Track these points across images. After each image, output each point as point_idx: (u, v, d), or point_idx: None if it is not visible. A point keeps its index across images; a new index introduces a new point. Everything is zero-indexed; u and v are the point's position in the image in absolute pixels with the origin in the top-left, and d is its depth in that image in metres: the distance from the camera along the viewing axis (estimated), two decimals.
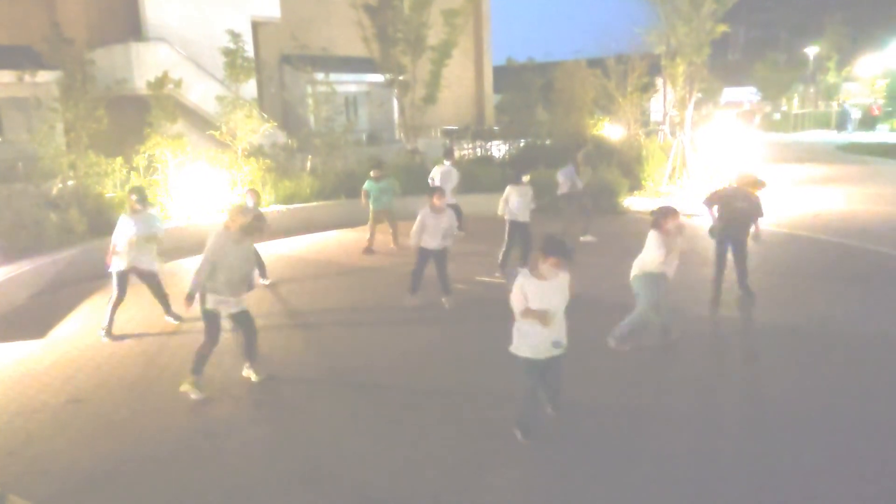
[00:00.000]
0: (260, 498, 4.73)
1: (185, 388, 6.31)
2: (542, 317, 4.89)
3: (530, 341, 5.06)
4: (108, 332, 8.10)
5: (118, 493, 4.87)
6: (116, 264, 8.09)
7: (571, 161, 12.29)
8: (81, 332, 8.35)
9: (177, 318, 8.53)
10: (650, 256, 6.73)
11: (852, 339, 7.25)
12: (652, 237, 6.75)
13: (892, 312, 8.05)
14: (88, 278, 10.45)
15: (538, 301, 4.92)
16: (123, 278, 8.14)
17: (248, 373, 6.68)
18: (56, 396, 6.44)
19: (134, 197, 8.23)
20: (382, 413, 5.95)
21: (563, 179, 11.97)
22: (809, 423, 5.45)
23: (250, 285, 6.72)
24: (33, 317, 8.99)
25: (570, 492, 4.66)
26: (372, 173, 12.01)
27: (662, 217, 6.75)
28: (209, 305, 6.27)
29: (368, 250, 11.97)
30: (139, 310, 8.98)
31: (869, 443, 5.14)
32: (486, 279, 9.96)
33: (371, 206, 11.95)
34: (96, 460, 5.28)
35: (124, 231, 7.99)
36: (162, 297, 8.55)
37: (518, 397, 5.43)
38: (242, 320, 6.53)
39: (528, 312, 4.94)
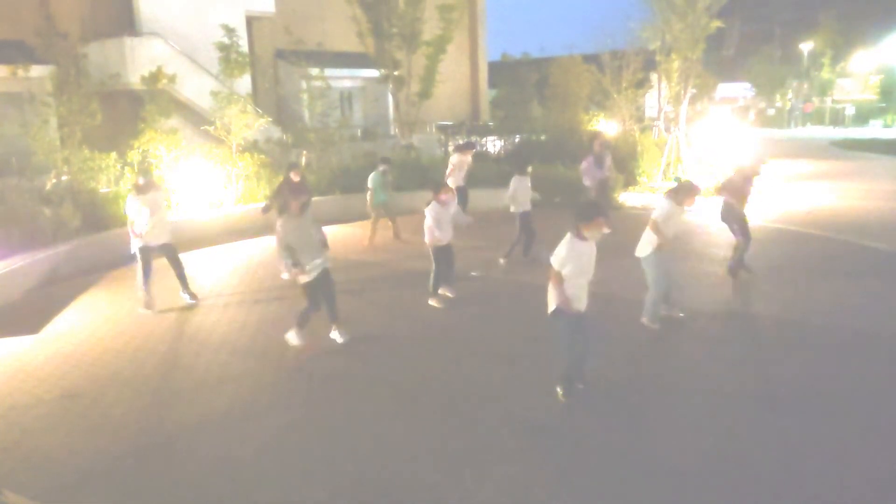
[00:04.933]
0: (256, 492, 4.74)
1: (289, 335, 7.31)
2: (566, 302, 5.50)
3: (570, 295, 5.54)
4: (149, 305, 8.69)
5: (113, 488, 4.87)
6: (136, 242, 8.65)
7: (590, 152, 12.24)
8: (76, 327, 8.33)
9: (192, 296, 9.07)
10: (662, 223, 7.08)
11: (838, 332, 7.29)
12: (667, 205, 7.13)
13: (881, 307, 8.10)
14: (83, 273, 10.44)
15: (581, 261, 5.47)
16: (147, 253, 8.72)
17: (335, 335, 7.38)
18: (50, 392, 6.43)
19: (141, 180, 8.69)
20: (380, 405, 5.96)
21: (584, 174, 12.00)
22: (786, 412, 5.50)
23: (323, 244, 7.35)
24: (27, 312, 8.96)
25: (570, 486, 4.68)
26: (382, 168, 12.19)
27: (684, 192, 7.17)
28: (306, 278, 7.05)
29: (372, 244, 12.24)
30: (135, 302, 8.97)
31: (853, 431, 5.19)
32: (478, 273, 9.97)
33: (376, 201, 12.08)
34: (91, 456, 5.27)
35: (138, 211, 8.52)
36: (180, 271, 9.04)
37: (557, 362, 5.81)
38: (325, 281, 7.24)
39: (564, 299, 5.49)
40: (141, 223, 8.56)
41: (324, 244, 7.26)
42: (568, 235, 5.49)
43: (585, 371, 5.98)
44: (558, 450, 5.13)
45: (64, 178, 12.86)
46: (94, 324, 8.40)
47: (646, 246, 7.21)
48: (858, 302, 8.31)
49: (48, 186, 12.57)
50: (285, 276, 9.82)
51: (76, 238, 11.34)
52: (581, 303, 5.61)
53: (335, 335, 7.39)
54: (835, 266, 9.96)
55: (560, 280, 5.48)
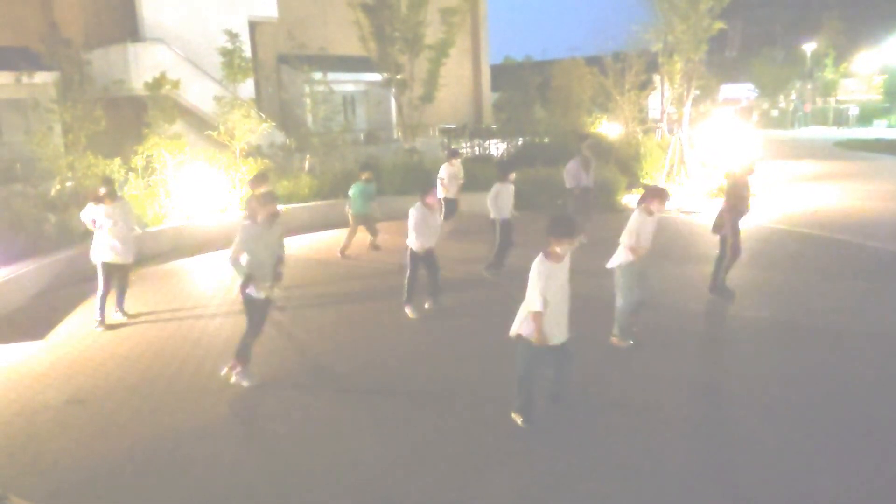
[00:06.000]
0: (259, 496, 4.75)
1: (226, 373, 6.53)
2: (541, 337, 5.10)
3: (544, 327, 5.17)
4: (102, 323, 8.36)
5: (119, 493, 4.89)
6: (101, 255, 8.27)
7: (577, 155, 12.14)
8: (81, 332, 8.36)
9: (125, 314, 8.76)
10: (627, 235, 6.76)
11: (841, 333, 7.28)
12: (634, 215, 6.81)
13: (885, 308, 8.08)
14: (88, 279, 10.44)
15: (554, 283, 5.08)
16: (108, 271, 8.34)
17: (237, 378, 6.58)
18: (56, 397, 6.46)
19: (102, 189, 8.28)
20: (379, 413, 5.97)
21: (568, 175, 11.92)
22: (787, 413, 5.49)
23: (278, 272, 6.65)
24: (33, 318, 9.00)
25: (567, 490, 4.68)
26: (364, 176, 11.65)
27: (649, 195, 6.84)
28: (253, 293, 6.35)
29: (345, 253, 11.81)
30: (139, 307, 9.00)
31: (856, 435, 5.19)
32: (484, 276, 9.97)
33: (354, 210, 11.59)
34: (97, 460, 5.30)
35: (97, 220, 8.19)
36: (122, 289, 8.74)
37: (516, 387, 5.51)
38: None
39: (539, 332, 5.12)
40: (102, 235, 8.19)
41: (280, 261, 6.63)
42: (540, 257, 5.13)
43: (565, 392, 5.75)
44: (558, 453, 5.12)
45: (68, 184, 12.92)
46: (94, 323, 8.43)
47: (617, 256, 6.93)
48: (862, 303, 8.29)
49: (53, 192, 12.64)
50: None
51: (81, 244, 11.36)
52: (559, 333, 5.27)
53: (238, 379, 6.57)
54: (839, 267, 9.94)
55: (539, 316, 5.08)
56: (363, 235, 12.03)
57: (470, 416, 5.76)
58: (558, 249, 5.07)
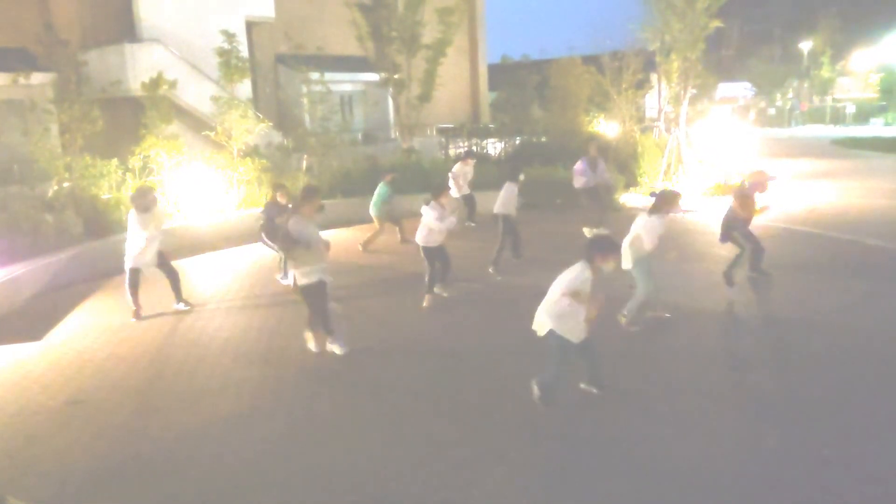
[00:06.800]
0: (260, 497, 4.75)
1: (307, 335, 7.24)
2: (596, 305, 5.36)
3: (569, 326, 5.46)
4: (138, 315, 8.72)
5: (118, 494, 4.88)
6: (129, 261, 8.72)
7: (584, 155, 12.28)
8: (79, 333, 8.35)
9: (186, 304, 9.13)
10: (648, 241, 7.10)
11: (841, 331, 7.27)
12: (653, 221, 7.10)
13: (885, 306, 8.09)
14: (85, 280, 10.46)
15: (585, 292, 5.38)
16: (137, 274, 8.80)
17: (332, 347, 7.26)
18: (55, 398, 6.45)
19: (142, 199, 8.61)
20: (382, 409, 5.96)
21: (576, 174, 12.02)
22: (788, 412, 5.50)
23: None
24: (31, 319, 8.99)
25: (570, 490, 4.68)
26: (388, 178, 12.46)
27: (666, 202, 7.20)
28: (307, 280, 6.89)
29: (367, 248, 12.33)
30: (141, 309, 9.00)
31: (853, 431, 5.19)
32: (494, 274, 9.98)
33: (382, 209, 12.36)
34: (96, 461, 5.29)
35: (137, 229, 8.53)
36: (175, 280, 9.10)
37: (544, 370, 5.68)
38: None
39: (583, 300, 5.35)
40: (138, 243, 8.58)
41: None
42: (581, 264, 5.38)
43: (600, 377, 5.94)
44: (560, 452, 5.12)
45: (66, 184, 12.90)
46: (97, 330, 8.43)
47: (628, 258, 7.22)
48: (861, 301, 8.29)
49: (50, 193, 12.61)
50: (285, 280, 9.77)
51: (78, 245, 11.36)
52: (581, 332, 5.53)
53: (333, 348, 7.23)
54: (837, 265, 9.95)
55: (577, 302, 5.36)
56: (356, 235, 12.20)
57: (472, 415, 5.76)
58: (602, 266, 5.34)
